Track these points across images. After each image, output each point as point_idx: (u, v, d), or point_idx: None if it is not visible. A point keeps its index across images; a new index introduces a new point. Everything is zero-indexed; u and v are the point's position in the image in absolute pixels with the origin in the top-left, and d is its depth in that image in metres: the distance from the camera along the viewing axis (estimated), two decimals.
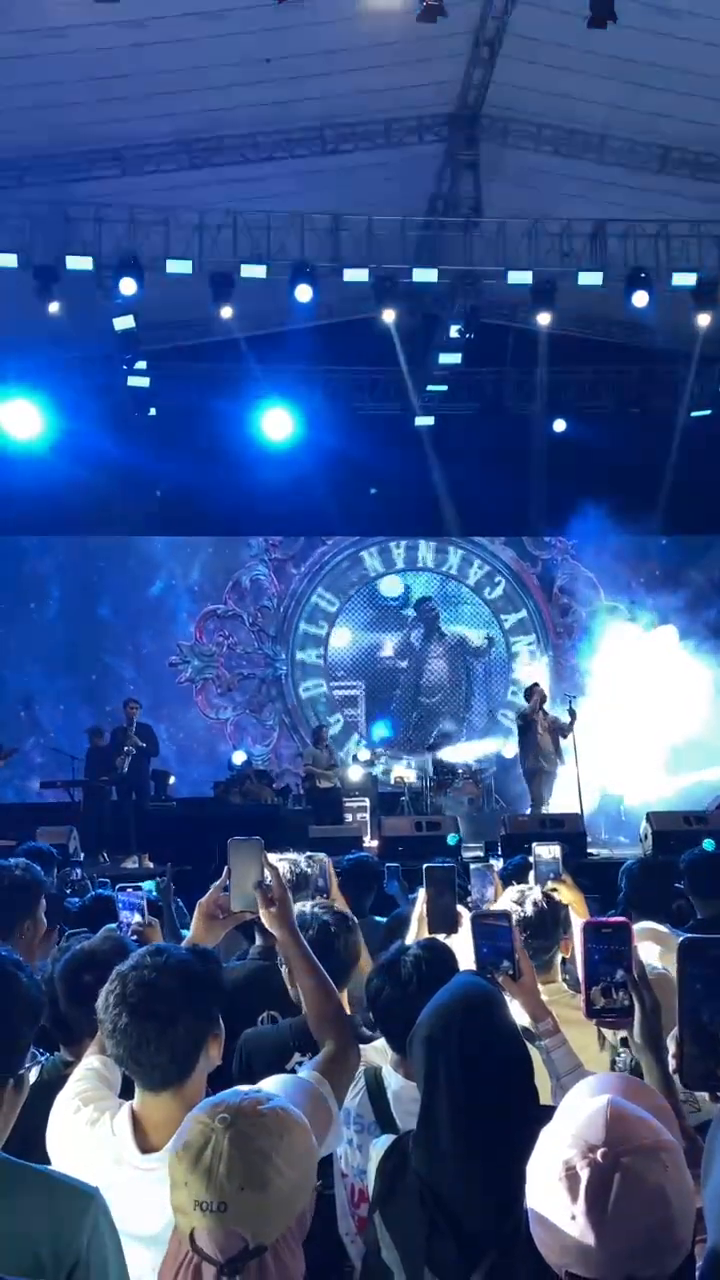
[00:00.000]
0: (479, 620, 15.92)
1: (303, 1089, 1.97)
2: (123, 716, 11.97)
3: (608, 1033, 2.19)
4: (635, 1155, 1.16)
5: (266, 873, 2.32)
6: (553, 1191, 1.17)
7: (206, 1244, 1.42)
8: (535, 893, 2.98)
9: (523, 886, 3.02)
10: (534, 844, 3.15)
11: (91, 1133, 2.05)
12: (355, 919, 3.04)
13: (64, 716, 14.50)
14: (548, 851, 3.08)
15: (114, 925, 3.04)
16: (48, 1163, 2.08)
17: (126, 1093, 2.12)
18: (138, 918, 2.90)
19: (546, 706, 11.73)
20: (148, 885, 3.12)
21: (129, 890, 2.97)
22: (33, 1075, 1.58)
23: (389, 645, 15.84)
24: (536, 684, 12.22)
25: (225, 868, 2.38)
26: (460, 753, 14.52)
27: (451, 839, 8.34)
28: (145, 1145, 2.00)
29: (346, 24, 9.67)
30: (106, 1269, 1.73)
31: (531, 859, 3.13)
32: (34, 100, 10.03)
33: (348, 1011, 2.48)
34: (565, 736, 11.39)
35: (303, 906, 2.93)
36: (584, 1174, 1.15)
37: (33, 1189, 1.66)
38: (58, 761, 12.86)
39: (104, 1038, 2.06)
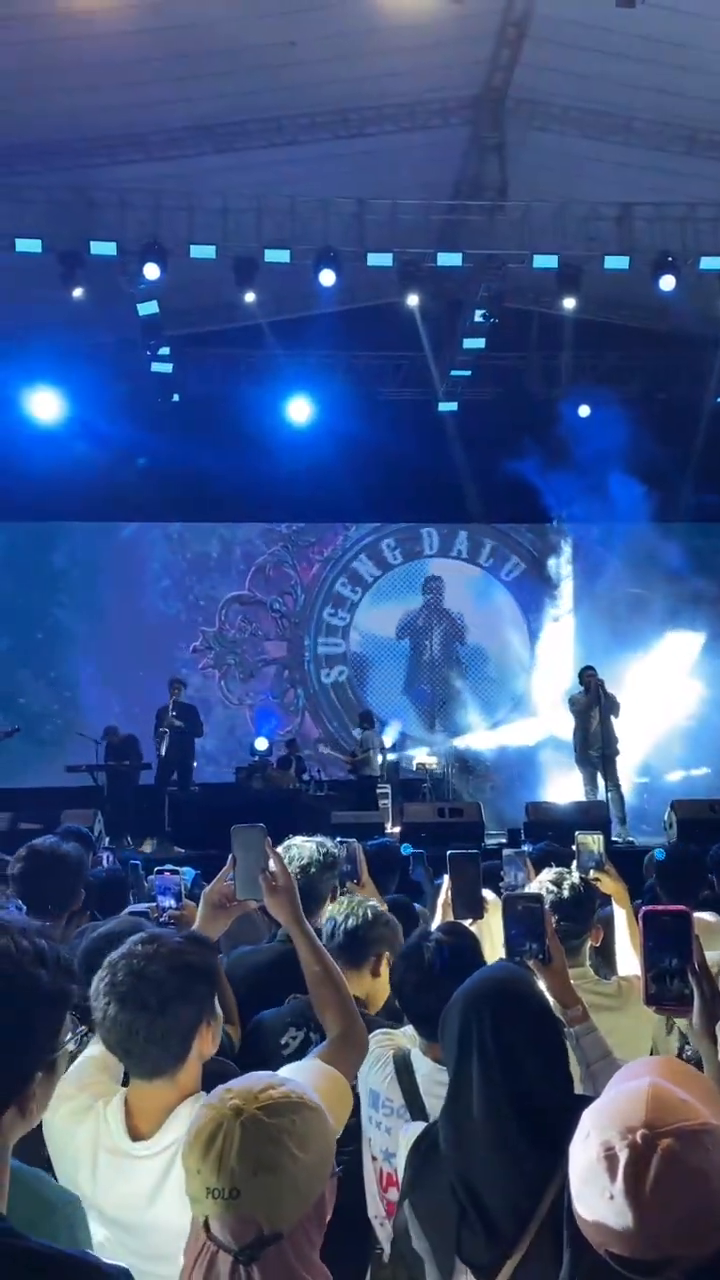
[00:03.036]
0: (500, 607, 15.87)
1: (319, 1070, 1.96)
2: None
3: (681, 1022, 2.18)
4: (675, 1137, 1.16)
5: (271, 860, 2.30)
6: (593, 1172, 1.18)
7: (220, 1232, 1.40)
8: (574, 876, 2.98)
9: (561, 869, 3.02)
10: (578, 833, 3.13)
11: (83, 1120, 2.05)
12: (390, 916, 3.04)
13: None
14: (592, 840, 3.07)
15: (139, 908, 3.05)
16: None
17: (129, 1080, 2.12)
18: (172, 902, 2.91)
19: (604, 689, 11.08)
20: (186, 871, 3.11)
21: (165, 874, 2.96)
22: (71, 1045, 1.57)
23: (410, 630, 15.83)
24: (590, 667, 11.55)
25: (230, 856, 2.37)
26: (482, 739, 14.52)
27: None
28: (136, 1133, 1.99)
29: (371, 6, 9.59)
30: None
31: (575, 847, 3.13)
32: (58, 86, 10.02)
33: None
34: (616, 716, 11.02)
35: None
36: (623, 1155, 1.15)
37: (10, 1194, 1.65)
38: (81, 745, 12.92)
39: (96, 1026, 2.04)
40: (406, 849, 5.57)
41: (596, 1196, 1.17)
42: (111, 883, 4.15)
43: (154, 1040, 1.96)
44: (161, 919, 3.02)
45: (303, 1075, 1.82)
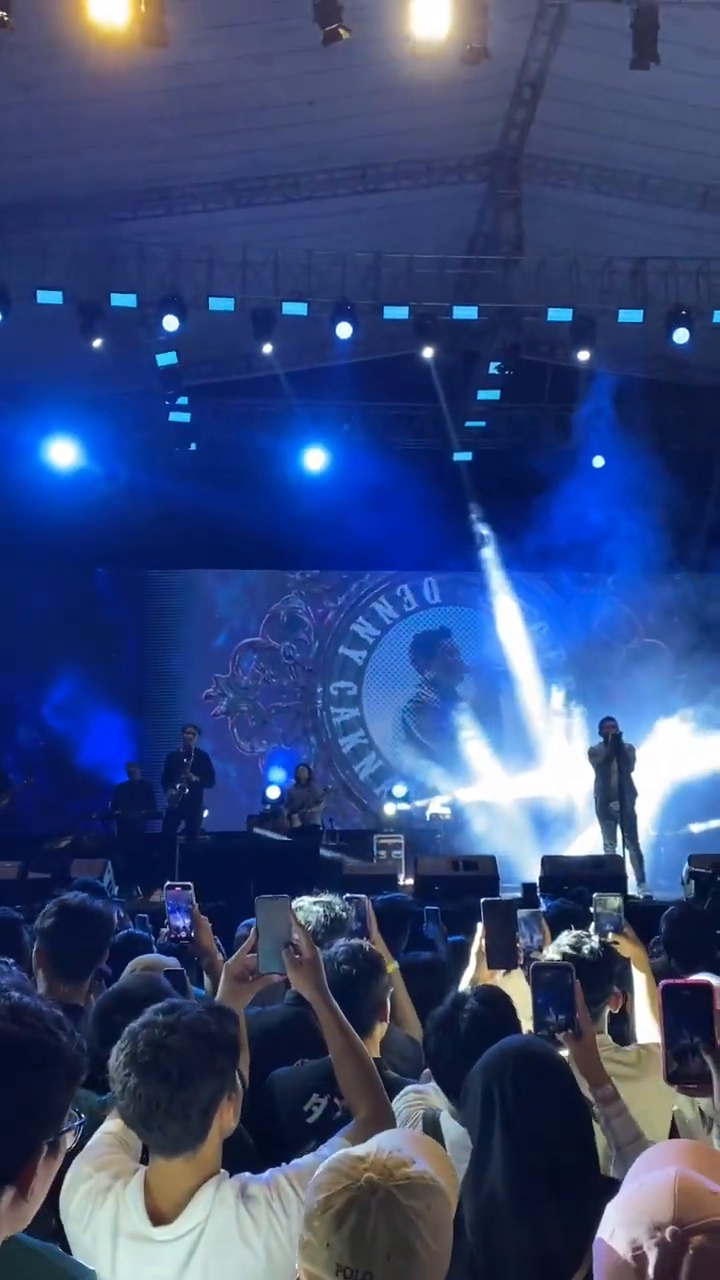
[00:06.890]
0: (513, 656, 15.79)
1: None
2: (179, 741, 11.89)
3: (703, 1101, 2.09)
4: (706, 1234, 1.09)
5: (295, 932, 2.23)
6: (620, 1273, 1.11)
7: None
8: (594, 940, 2.91)
9: (580, 933, 2.95)
10: (596, 894, 3.08)
11: (101, 1203, 1.98)
12: (383, 961, 2.96)
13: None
14: (612, 902, 3.01)
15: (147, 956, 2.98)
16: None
17: (148, 1156, 2.05)
18: (185, 921, 2.83)
19: (622, 741, 10.99)
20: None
21: (175, 890, 2.87)
22: (70, 1140, 1.48)
23: (422, 679, 15.76)
24: (610, 718, 11.41)
25: (252, 928, 2.30)
26: (495, 790, 14.38)
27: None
28: (157, 1216, 1.92)
29: (389, 66, 9.77)
30: None
31: (593, 908, 3.06)
32: (83, 143, 10.22)
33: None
34: (632, 768, 10.88)
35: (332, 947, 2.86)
36: (652, 1255, 1.08)
37: (22, 1269, 1.59)
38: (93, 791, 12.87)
39: (115, 1099, 1.98)
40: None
41: None
42: (132, 944, 4.05)
43: (175, 1115, 1.89)
44: (179, 938, 2.95)
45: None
